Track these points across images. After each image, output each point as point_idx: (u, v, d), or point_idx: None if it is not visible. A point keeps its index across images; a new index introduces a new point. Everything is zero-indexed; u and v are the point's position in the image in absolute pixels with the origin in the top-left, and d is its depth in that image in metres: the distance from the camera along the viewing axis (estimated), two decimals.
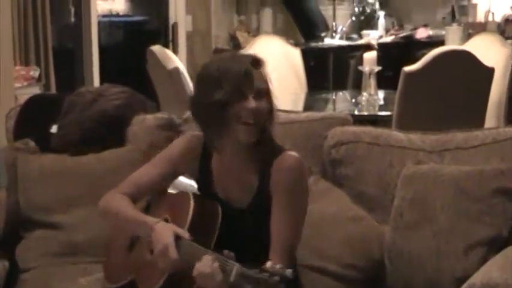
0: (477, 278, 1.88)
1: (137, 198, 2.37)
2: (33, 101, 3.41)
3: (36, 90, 4.82)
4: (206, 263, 1.94)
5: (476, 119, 3.88)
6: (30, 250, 2.86)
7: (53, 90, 5.13)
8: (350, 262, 2.48)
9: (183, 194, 2.30)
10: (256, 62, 2.18)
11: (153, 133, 3.03)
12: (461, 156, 2.42)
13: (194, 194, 2.26)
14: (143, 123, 3.07)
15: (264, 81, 2.19)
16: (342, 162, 2.66)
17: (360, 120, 4.20)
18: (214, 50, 6.87)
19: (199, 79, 2.23)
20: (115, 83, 3.37)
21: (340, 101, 5.48)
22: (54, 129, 3.15)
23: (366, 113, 4.53)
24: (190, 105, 2.25)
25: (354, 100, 4.98)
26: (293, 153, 2.24)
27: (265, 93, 2.18)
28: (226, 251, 1.95)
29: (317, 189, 2.62)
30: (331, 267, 2.49)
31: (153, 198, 2.42)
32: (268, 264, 1.85)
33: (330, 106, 5.26)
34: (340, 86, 6.37)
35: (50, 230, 2.88)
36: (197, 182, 2.34)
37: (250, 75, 2.14)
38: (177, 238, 2.09)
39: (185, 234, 2.10)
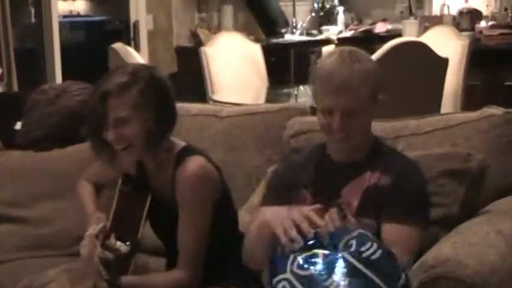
0: (429, 255, 1.96)
1: (98, 186, 2.61)
2: None
3: None
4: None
5: (432, 108, 3.98)
6: None
7: (15, 89, 5.14)
8: None
9: None
10: (119, 91, 2.20)
11: None
12: (415, 142, 2.49)
13: (121, 188, 2.38)
14: None
15: (132, 107, 2.20)
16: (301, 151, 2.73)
17: None
18: (176, 48, 6.92)
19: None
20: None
21: (302, 95, 5.55)
22: (18, 126, 3.19)
23: None
24: None
25: None
26: (195, 159, 2.30)
27: (128, 118, 2.21)
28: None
29: None
30: None
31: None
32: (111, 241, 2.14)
33: (292, 100, 5.32)
34: (301, 80, 6.43)
35: (17, 225, 2.93)
36: (136, 179, 2.43)
37: (103, 109, 2.19)
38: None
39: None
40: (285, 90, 5.65)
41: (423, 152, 2.37)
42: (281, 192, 2.22)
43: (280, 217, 1.98)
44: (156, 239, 2.57)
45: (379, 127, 2.59)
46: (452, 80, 4.64)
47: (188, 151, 2.34)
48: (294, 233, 1.92)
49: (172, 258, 2.40)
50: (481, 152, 2.32)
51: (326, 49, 4.77)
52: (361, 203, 2.12)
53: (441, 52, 4.28)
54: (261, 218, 2.08)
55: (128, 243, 2.17)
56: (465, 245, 1.96)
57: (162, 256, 2.56)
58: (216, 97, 4.91)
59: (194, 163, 2.29)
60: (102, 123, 2.21)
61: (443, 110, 4.24)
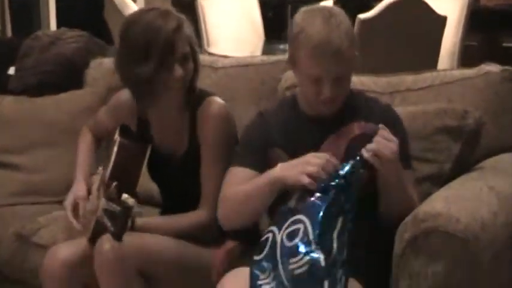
0: (420, 209, 1.94)
1: (99, 137, 2.58)
2: None
3: None
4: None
5: (429, 66, 3.95)
6: None
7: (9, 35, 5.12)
8: None
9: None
10: (179, 27, 2.21)
11: (111, 76, 3.06)
12: (411, 98, 2.48)
13: (121, 140, 2.33)
14: (101, 66, 3.11)
15: (188, 42, 2.24)
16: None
17: None
18: (172, 0, 6.86)
19: (124, 50, 2.26)
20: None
21: None
22: (11, 71, 3.18)
23: None
24: (118, 72, 2.31)
25: None
26: (216, 99, 2.33)
27: (190, 54, 2.24)
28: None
29: None
30: None
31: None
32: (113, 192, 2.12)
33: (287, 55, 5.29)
34: None
35: (9, 171, 2.93)
36: (136, 132, 2.41)
37: (173, 46, 2.18)
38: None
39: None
40: (281, 46, 5.61)
41: (419, 107, 2.36)
42: (255, 151, 2.17)
43: (295, 169, 1.96)
44: (148, 188, 2.57)
45: (375, 82, 2.59)
46: (450, 39, 4.61)
47: (205, 92, 2.35)
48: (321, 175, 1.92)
49: (169, 208, 2.41)
50: (476, 109, 2.31)
51: (323, 3, 4.71)
52: (348, 154, 2.06)
53: (440, 11, 4.25)
54: (272, 174, 2.02)
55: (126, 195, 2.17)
56: (457, 200, 1.95)
57: (155, 206, 2.56)
58: (211, 50, 4.87)
59: (218, 103, 2.32)
60: (168, 60, 2.19)
61: (440, 68, 4.22)
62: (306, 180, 1.92)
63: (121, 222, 2.11)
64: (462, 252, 1.84)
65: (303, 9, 2.16)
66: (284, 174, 1.99)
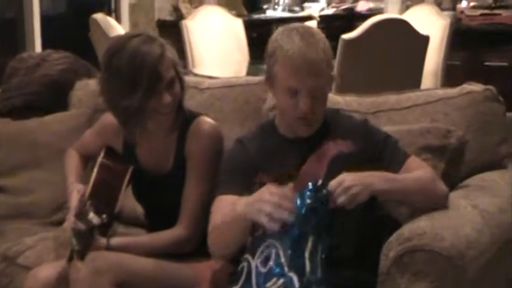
0: (406, 228, 1.95)
1: (86, 158, 2.55)
2: None
3: None
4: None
5: (412, 86, 3.99)
6: None
7: None
8: None
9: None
10: (163, 53, 2.20)
11: (97, 98, 3.06)
12: (395, 117, 2.50)
13: (102, 161, 2.34)
14: (87, 87, 3.11)
15: (172, 66, 2.23)
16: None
17: None
18: (157, 21, 6.89)
19: (110, 80, 2.22)
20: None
21: None
22: None
23: None
24: (104, 101, 2.30)
25: None
26: (208, 118, 2.35)
27: (176, 77, 2.24)
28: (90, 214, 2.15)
29: None
30: None
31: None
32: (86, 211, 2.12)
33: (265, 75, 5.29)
34: None
35: None
36: (122, 154, 2.42)
37: (159, 74, 2.17)
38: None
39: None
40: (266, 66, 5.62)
41: (403, 127, 2.38)
42: (240, 176, 2.14)
43: (254, 206, 1.88)
44: (134, 210, 2.57)
45: (359, 102, 2.61)
46: (433, 59, 4.66)
47: (195, 113, 2.37)
48: (279, 214, 1.83)
49: (154, 229, 2.39)
50: (459, 128, 2.34)
51: (307, 24, 4.74)
52: (329, 174, 2.03)
53: (422, 31, 4.29)
54: (238, 210, 1.95)
55: (104, 216, 2.17)
56: (442, 218, 1.97)
57: (141, 227, 2.56)
58: (196, 71, 4.89)
59: (210, 122, 2.33)
60: (156, 89, 2.17)
61: (423, 88, 4.25)
62: (264, 220, 1.84)
63: (84, 241, 2.11)
64: (447, 270, 1.85)
65: (281, 28, 2.19)
66: (246, 211, 1.91)
